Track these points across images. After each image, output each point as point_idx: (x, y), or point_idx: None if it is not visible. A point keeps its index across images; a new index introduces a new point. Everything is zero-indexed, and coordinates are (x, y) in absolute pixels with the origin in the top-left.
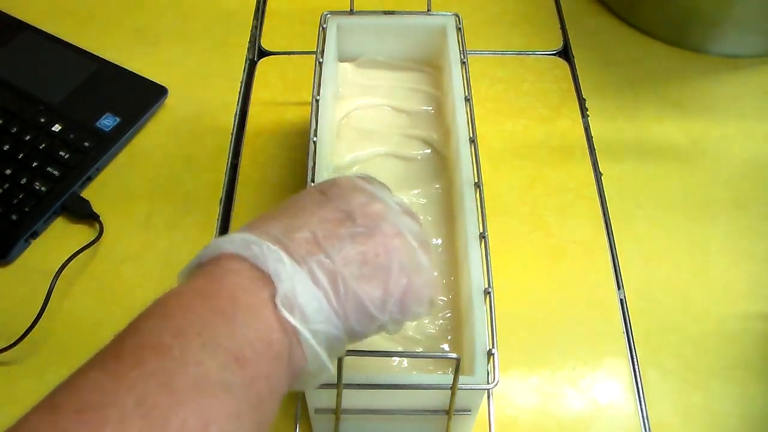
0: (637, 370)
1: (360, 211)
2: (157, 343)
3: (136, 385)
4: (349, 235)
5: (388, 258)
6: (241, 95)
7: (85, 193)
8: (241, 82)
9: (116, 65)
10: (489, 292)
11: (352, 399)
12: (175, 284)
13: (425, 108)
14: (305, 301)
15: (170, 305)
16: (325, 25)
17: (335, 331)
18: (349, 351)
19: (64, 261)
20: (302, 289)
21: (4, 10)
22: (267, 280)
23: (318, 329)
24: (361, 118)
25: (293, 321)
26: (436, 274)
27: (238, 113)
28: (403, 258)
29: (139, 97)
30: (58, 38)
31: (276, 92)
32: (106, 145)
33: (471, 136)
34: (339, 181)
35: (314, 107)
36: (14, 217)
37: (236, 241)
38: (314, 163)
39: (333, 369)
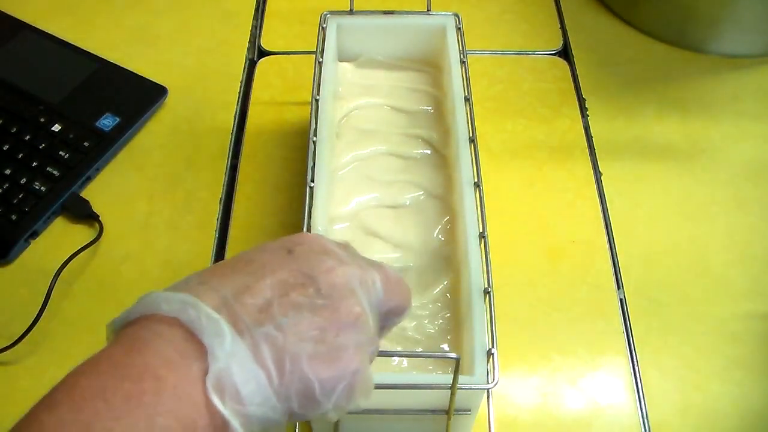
0: (637, 370)
1: (325, 278)
2: None
3: None
4: (309, 305)
5: (347, 338)
6: (241, 95)
7: (85, 193)
8: (241, 82)
9: (116, 65)
10: (489, 292)
11: None
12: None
13: (425, 108)
14: (242, 381)
15: (82, 387)
16: (324, 25)
17: (272, 415)
18: None
19: (63, 261)
20: (240, 367)
21: (3, 10)
22: (201, 351)
23: (252, 413)
24: (361, 117)
25: (222, 408)
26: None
27: (237, 113)
28: (363, 341)
29: (139, 97)
30: (58, 38)
31: (276, 92)
32: (106, 144)
33: (471, 135)
34: (307, 238)
35: (314, 107)
36: (14, 217)
37: (174, 301)
38: (314, 163)
39: None
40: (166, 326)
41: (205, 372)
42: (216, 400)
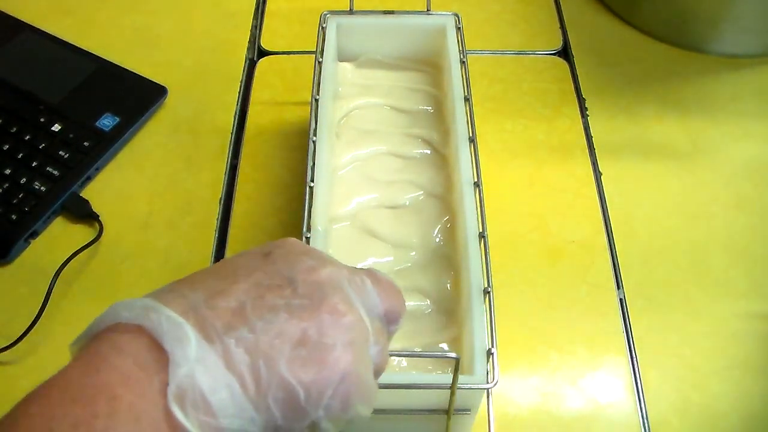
0: (637, 370)
1: (304, 277)
2: None
3: None
4: (286, 306)
5: (333, 338)
6: (241, 95)
7: (85, 193)
8: (241, 82)
9: (116, 65)
10: (489, 292)
11: None
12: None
13: (425, 107)
14: (210, 389)
15: (29, 417)
16: (324, 25)
17: (251, 428)
18: None
19: (63, 261)
20: (208, 373)
21: (3, 10)
22: (165, 361)
23: (227, 426)
24: (361, 117)
25: (183, 420)
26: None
27: (237, 113)
28: (355, 339)
29: (139, 97)
30: (58, 38)
31: (276, 92)
32: (106, 144)
33: (470, 135)
34: (287, 241)
35: (314, 107)
36: (14, 217)
37: (135, 307)
38: (314, 163)
39: None
40: (129, 336)
41: (166, 384)
42: (177, 411)
